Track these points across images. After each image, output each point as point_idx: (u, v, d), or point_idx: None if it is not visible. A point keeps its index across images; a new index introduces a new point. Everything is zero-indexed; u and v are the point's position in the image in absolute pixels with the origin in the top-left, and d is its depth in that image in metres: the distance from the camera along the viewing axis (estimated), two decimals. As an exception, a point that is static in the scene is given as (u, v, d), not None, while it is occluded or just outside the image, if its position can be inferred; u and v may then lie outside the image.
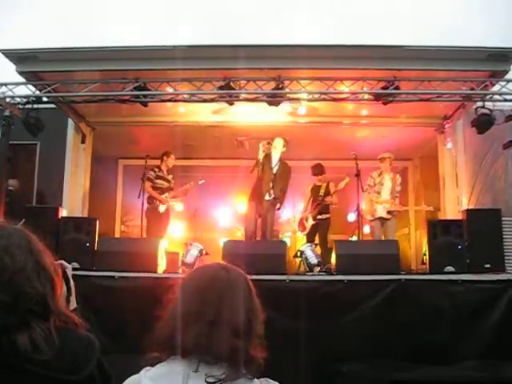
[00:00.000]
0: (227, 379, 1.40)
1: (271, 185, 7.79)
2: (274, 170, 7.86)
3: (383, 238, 7.99)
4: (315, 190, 8.77)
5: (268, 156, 7.91)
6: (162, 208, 8.34)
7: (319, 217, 8.53)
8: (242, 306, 1.52)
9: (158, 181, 8.37)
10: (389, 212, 8.06)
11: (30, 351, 1.27)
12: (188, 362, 1.44)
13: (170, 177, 8.56)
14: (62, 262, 1.70)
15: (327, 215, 8.62)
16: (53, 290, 1.41)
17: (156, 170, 8.42)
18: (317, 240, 8.41)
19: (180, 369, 1.43)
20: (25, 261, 1.37)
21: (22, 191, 8.41)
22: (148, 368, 1.49)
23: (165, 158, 8.45)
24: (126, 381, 1.50)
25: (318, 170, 8.75)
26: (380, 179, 8.24)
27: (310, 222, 8.53)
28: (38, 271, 1.39)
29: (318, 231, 8.53)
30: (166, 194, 8.39)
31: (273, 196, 7.78)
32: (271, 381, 1.54)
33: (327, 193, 8.60)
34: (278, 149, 7.89)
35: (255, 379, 1.47)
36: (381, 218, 8.09)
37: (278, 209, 8.04)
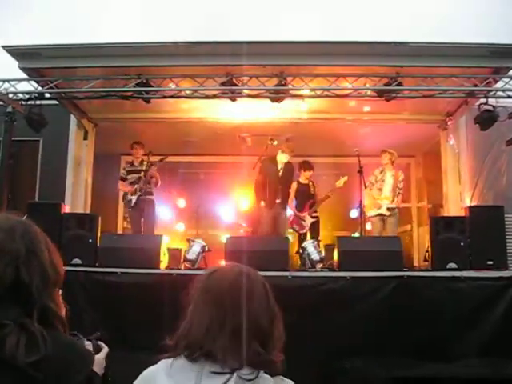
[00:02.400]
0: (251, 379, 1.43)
1: (280, 188, 7.93)
2: (280, 174, 8.04)
3: (384, 234, 7.99)
4: (303, 188, 8.68)
5: (273, 160, 7.97)
6: (133, 200, 8.02)
7: (314, 214, 8.57)
8: (262, 313, 1.54)
9: (129, 176, 8.23)
10: (389, 209, 8.06)
11: (16, 352, 1.27)
12: (203, 361, 1.45)
13: (144, 166, 8.18)
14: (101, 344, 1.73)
15: (317, 213, 8.69)
16: (43, 282, 1.42)
17: (127, 166, 8.38)
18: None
19: (194, 367, 1.45)
20: (17, 247, 1.40)
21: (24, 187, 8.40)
22: (164, 361, 1.50)
23: (131, 150, 8.33)
24: (144, 372, 1.52)
25: (308, 166, 8.71)
26: (382, 176, 8.22)
27: (309, 220, 8.50)
28: (30, 260, 1.40)
29: (310, 229, 8.54)
30: (136, 186, 8.07)
31: (281, 199, 7.94)
32: (286, 379, 1.55)
33: (315, 191, 8.67)
34: (282, 160, 8.07)
35: (270, 376, 1.49)
36: (381, 215, 8.08)
37: (284, 208, 8.18)
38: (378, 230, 8.08)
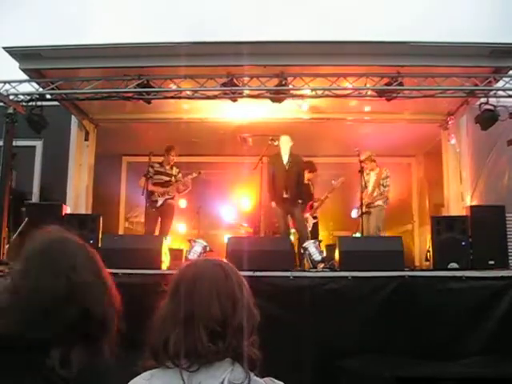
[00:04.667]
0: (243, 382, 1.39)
1: (285, 183, 7.80)
2: (286, 168, 7.87)
3: (368, 227, 7.99)
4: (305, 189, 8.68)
5: (278, 155, 7.90)
6: (159, 201, 8.24)
7: (315, 215, 8.59)
8: (232, 307, 1.48)
9: (156, 176, 8.30)
10: (368, 205, 8.06)
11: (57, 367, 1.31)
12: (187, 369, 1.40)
13: (174, 171, 8.47)
14: None
15: (317, 214, 8.74)
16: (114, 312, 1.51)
17: (156, 165, 8.38)
18: None
19: (178, 375, 1.40)
20: (91, 281, 1.51)
21: (23, 188, 8.39)
22: (146, 373, 1.46)
23: (166, 153, 8.43)
24: None
25: (313, 167, 8.71)
26: (368, 178, 8.26)
27: (311, 221, 8.53)
28: (105, 292, 1.53)
29: (312, 230, 8.53)
30: (165, 189, 8.30)
31: (290, 194, 7.76)
32: (276, 381, 1.50)
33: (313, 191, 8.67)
34: (285, 146, 7.88)
35: (259, 378, 1.44)
36: (365, 213, 8.05)
37: (302, 203, 8.04)
38: (365, 227, 8.03)
